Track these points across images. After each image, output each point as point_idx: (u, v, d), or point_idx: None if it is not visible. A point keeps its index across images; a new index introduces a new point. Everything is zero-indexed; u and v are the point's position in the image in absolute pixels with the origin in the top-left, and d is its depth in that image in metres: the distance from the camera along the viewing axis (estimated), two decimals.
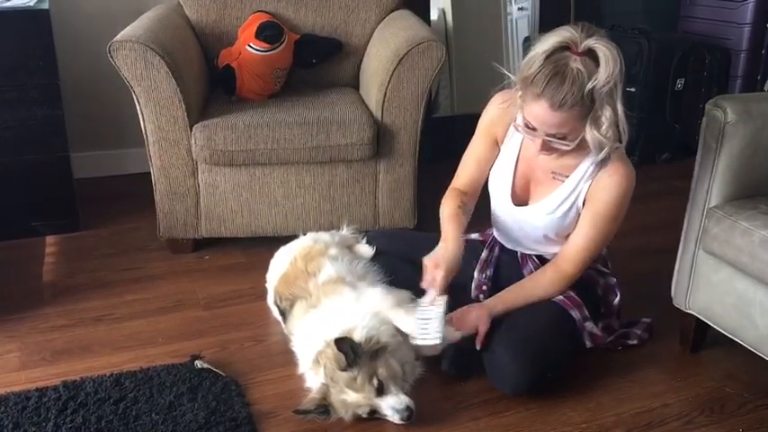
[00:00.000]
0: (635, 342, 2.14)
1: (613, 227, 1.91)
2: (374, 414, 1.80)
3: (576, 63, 1.67)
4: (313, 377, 1.89)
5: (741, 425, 1.85)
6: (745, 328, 1.88)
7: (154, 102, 2.48)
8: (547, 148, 1.80)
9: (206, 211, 2.65)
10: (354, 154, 2.59)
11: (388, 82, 2.56)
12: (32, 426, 1.78)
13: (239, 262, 2.66)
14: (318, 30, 3.01)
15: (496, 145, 2.04)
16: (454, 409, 1.90)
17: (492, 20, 3.75)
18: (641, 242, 2.79)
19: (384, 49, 2.71)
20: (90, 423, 1.78)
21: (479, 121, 2.06)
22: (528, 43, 3.84)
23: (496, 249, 2.14)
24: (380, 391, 1.78)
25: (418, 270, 2.12)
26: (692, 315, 2.06)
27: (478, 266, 2.14)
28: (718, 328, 1.99)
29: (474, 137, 2.07)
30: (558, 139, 1.76)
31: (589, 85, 1.66)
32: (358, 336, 1.83)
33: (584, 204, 1.91)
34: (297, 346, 2.01)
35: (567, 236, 1.96)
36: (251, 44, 2.77)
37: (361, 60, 3.03)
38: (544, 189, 1.95)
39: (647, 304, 2.26)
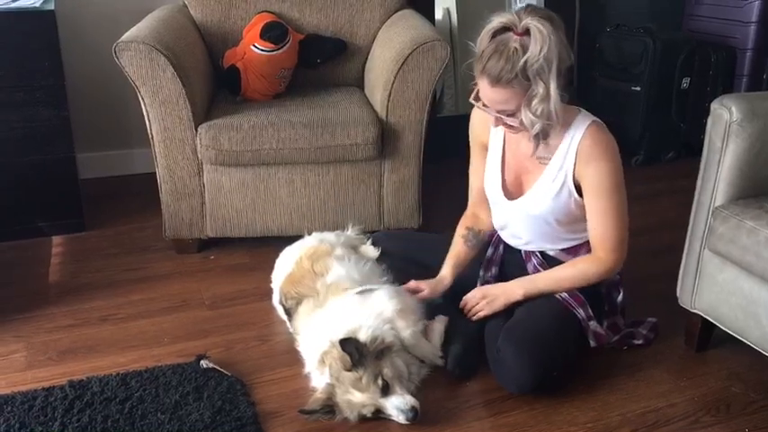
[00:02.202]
0: (640, 342, 2.13)
1: (620, 194, 1.91)
2: (379, 414, 1.81)
3: (515, 42, 1.73)
4: (318, 377, 1.89)
5: (747, 425, 1.84)
6: (750, 327, 1.88)
7: (159, 102, 2.49)
8: (501, 124, 1.87)
9: (211, 211, 2.66)
10: (359, 154, 2.60)
11: (393, 82, 2.57)
12: (39, 425, 1.78)
13: (244, 262, 2.66)
14: (323, 30, 3.01)
15: (487, 150, 2.08)
16: (459, 409, 1.90)
17: None
18: (646, 241, 2.77)
19: (389, 49, 2.72)
20: (96, 422, 1.79)
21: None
22: None
23: (501, 248, 2.15)
24: (385, 391, 1.78)
25: (424, 271, 2.14)
26: (698, 315, 2.06)
27: (483, 265, 2.15)
28: (723, 328, 1.98)
29: (471, 150, 2.15)
30: (507, 116, 1.82)
31: (522, 61, 1.71)
32: (363, 336, 1.84)
33: (578, 189, 1.91)
34: (302, 345, 2.01)
35: (567, 221, 1.97)
36: (256, 44, 2.77)
37: (365, 60, 3.03)
38: (533, 176, 1.97)
39: (653, 304, 2.26)
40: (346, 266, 2.12)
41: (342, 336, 1.82)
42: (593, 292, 2.02)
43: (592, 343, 2.00)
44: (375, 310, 1.94)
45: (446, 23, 3.65)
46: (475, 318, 2.04)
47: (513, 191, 2.03)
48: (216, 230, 2.69)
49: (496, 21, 1.76)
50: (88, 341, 2.17)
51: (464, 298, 2.07)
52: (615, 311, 2.09)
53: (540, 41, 1.70)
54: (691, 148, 3.55)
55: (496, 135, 2.03)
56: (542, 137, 1.84)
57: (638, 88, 3.54)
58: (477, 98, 1.85)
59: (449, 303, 2.14)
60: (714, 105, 1.93)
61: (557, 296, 1.99)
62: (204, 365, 2.00)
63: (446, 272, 2.13)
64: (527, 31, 1.72)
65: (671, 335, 2.17)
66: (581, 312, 1.97)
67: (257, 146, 2.54)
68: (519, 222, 2.05)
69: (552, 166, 1.92)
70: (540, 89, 1.74)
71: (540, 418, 1.85)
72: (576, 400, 1.92)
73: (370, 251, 2.31)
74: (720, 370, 2.05)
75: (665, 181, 3.41)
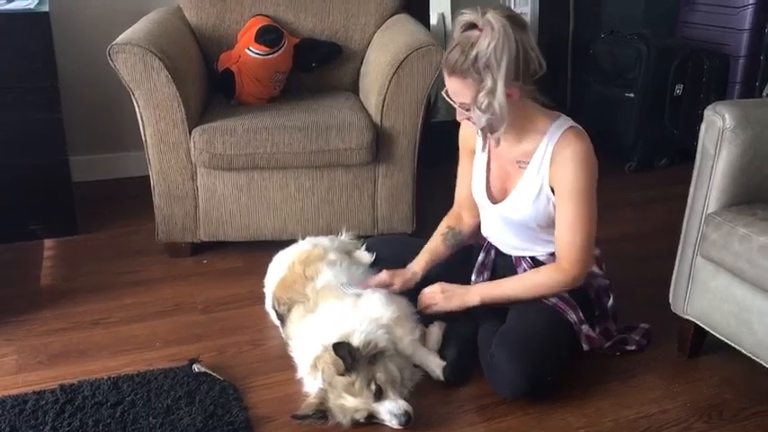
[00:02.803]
0: (633, 348, 2.14)
1: (589, 201, 1.89)
2: (372, 419, 1.80)
3: (473, 38, 1.76)
4: (311, 382, 1.89)
5: (739, 431, 1.84)
6: (743, 334, 1.88)
7: (153, 105, 2.48)
8: (463, 118, 1.90)
9: (205, 214, 2.65)
10: (353, 158, 2.60)
11: (388, 86, 2.57)
12: (29, 429, 1.77)
13: (237, 266, 2.66)
14: (318, 34, 3.01)
15: (473, 152, 2.11)
16: (452, 414, 1.89)
17: None
18: (639, 247, 2.79)
19: (383, 54, 2.72)
20: (87, 426, 1.78)
21: None
22: None
23: (492, 253, 2.15)
24: (379, 395, 1.78)
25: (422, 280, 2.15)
26: (691, 321, 2.06)
27: (475, 270, 2.16)
28: (716, 334, 1.99)
29: (460, 154, 2.17)
30: (466, 109, 1.84)
31: (472, 54, 1.74)
32: (356, 340, 1.83)
33: (553, 191, 1.92)
34: (295, 350, 2.01)
35: (548, 225, 1.97)
36: (251, 48, 2.77)
37: (360, 65, 3.03)
38: (515, 180, 1.99)
39: (646, 310, 2.26)
40: (338, 271, 2.12)
41: (335, 340, 1.81)
42: (582, 297, 2.03)
43: (585, 346, 2.00)
44: (369, 314, 1.93)
45: (441, 28, 3.66)
46: (427, 311, 2.05)
47: (497, 195, 2.04)
48: (209, 234, 2.68)
49: (465, 17, 1.80)
50: (80, 345, 2.16)
51: (422, 291, 2.06)
52: (606, 316, 2.09)
53: (489, 37, 1.73)
54: (684, 154, 3.55)
55: (481, 141, 2.05)
56: (489, 131, 1.86)
57: (632, 94, 3.55)
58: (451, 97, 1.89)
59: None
60: (707, 112, 1.93)
61: (548, 301, 1.99)
62: (196, 369, 2.00)
63: (418, 267, 2.16)
64: (485, 27, 1.76)
65: (664, 341, 2.17)
66: (573, 316, 1.98)
67: (251, 150, 2.53)
68: (504, 227, 2.06)
69: (530, 171, 1.94)
70: (488, 82, 1.76)
71: (533, 424, 1.85)
72: (568, 406, 1.92)
73: (364, 256, 2.31)
74: (713, 376, 2.05)
75: (659, 187, 3.42)
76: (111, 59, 2.42)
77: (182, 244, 2.70)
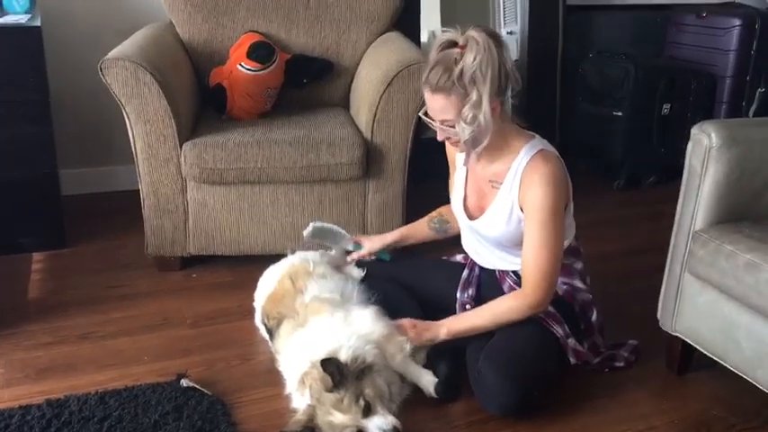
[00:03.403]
0: (621, 364, 2.14)
1: (554, 224, 1.88)
2: None
3: (455, 54, 1.80)
4: (299, 398, 1.88)
5: None
6: (730, 350, 1.89)
7: (144, 120, 2.49)
8: (444, 137, 1.91)
9: (194, 228, 2.65)
10: (344, 173, 2.60)
11: (379, 102, 2.58)
12: None
13: (227, 280, 2.65)
14: (310, 50, 3.03)
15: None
16: (441, 430, 1.89)
17: None
18: (628, 264, 2.80)
19: (374, 71, 2.74)
20: None
21: None
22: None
23: (476, 269, 2.16)
24: (367, 411, 1.77)
25: (408, 294, 2.16)
26: (679, 338, 2.07)
27: (460, 286, 2.16)
28: (703, 351, 2.00)
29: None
30: (450, 127, 1.86)
31: (457, 69, 1.77)
32: (344, 356, 1.83)
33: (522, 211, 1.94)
34: (283, 366, 2.00)
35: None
36: (242, 63, 2.79)
37: (351, 81, 3.05)
38: (489, 200, 2.01)
39: (634, 326, 2.27)
40: (327, 286, 2.12)
41: (322, 356, 1.81)
42: (568, 311, 2.03)
43: (572, 360, 2.00)
44: (358, 330, 1.93)
45: (431, 46, 3.68)
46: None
47: (473, 211, 2.06)
48: (199, 248, 2.68)
49: (444, 36, 1.84)
50: (67, 359, 2.15)
51: (400, 321, 2.03)
52: (592, 331, 2.10)
53: (475, 50, 1.76)
54: (671, 172, 3.58)
55: (461, 156, 2.07)
56: (472, 145, 1.88)
57: (620, 113, 3.59)
58: (431, 118, 1.91)
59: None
60: (694, 131, 1.96)
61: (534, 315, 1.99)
62: (184, 384, 1.98)
63: (392, 233, 2.34)
64: (467, 44, 1.79)
65: (652, 357, 2.18)
66: (559, 330, 1.98)
67: (242, 164, 2.54)
68: (480, 242, 2.08)
69: (503, 192, 1.95)
70: (474, 96, 1.79)
71: None
72: (557, 422, 1.92)
73: (355, 272, 2.31)
74: (701, 393, 2.06)
75: (646, 205, 3.45)
76: (103, 74, 2.42)
77: (171, 258, 2.69)
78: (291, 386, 1.92)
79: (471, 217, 2.06)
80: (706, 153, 1.91)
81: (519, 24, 3.85)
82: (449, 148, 2.14)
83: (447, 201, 2.23)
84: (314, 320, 1.98)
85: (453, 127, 1.85)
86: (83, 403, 1.90)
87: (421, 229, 2.33)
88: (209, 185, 2.59)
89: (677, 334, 2.07)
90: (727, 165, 1.90)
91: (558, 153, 1.95)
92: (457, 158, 2.11)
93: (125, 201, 3.03)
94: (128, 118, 2.50)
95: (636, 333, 2.24)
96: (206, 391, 1.96)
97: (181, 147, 2.53)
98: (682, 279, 2.02)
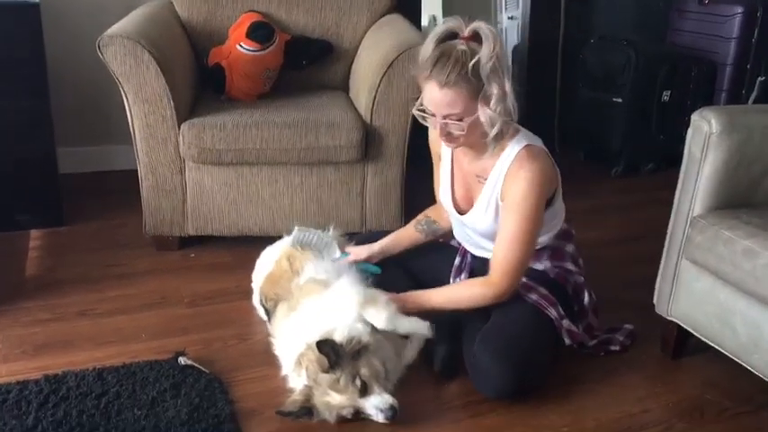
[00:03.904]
0: (617, 348, 2.15)
1: (530, 220, 1.87)
2: (358, 414, 1.81)
3: (462, 46, 1.76)
4: (295, 379, 1.89)
5: None
6: (725, 336, 1.91)
7: (142, 99, 2.48)
8: (445, 133, 1.86)
9: (193, 209, 2.65)
10: (343, 156, 2.60)
11: (378, 85, 2.58)
12: (13, 419, 1.76)
13: (225, 260, 2.65)
14: (310, 31, 3.02)
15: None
16: (437, 411, 1.90)
17: None
18: (625, 250, 2.81)
19: (374, 53, 2.73)
20: (71, 417, 1.77)
21: None
22: (515, 52, 3.88)
23: (468, 256, 2.17)
24: (364, 391, 1.78)
25: (406, 274, 2.17)
26: (674, 322, 2.08)
27: (453, 272, 2.18)
28: (699, 336, 2.01)
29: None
30: (455, 121, 1.82)
31: (472, 62, 1.74)
32: (339, 337, 1.83)
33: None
34: (279, 347, 2.00)
35: None
36: (241, 44, 2.77)
37: (351, 63, 3.04)
38: (476, 194, 2.00)
39: (630, 311, 2.28)
40: (323, 266, 2.11)
41: (318, 338, 1.81)
42: (562, 293, 2.04)
43: (566, 341, 2.01)
44: (349, 309, 1.91)
45: (432, 30, 3.67)
46: None
47: (462, 204, 2.06)
48: (197, 228, 2.68)
49: (442, 27, 1.80)
50: (65, 336, 2.15)
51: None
52: (586, 313, 2.10)
53: (492, 41, 1.74)
54: (670, 160, 3.59)
55: (446, 149, 2.06)
56: (500, 137, 1.85)
57: (620, 99, 3.58)
58: (432, 114, 1.86)
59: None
60: (694, 117, 1.96)
61: (529, 298, 2.00)
62: (182, 362, 1.99)
63: (379, 242, 2.23)
64: (475, 35, 1.76)
65: (647, 342, 2.19)
66: (553, 312, 1.99)
67: (240, 145, 2.53)
68: (470, 234, 2.09)
69: (488, 186, 1.95)
70: (495, 89, 1.77)
71: (517, 422, 1.86)
72: (552, 404, 1.93)
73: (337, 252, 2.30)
74: (695, 377, 2.07)
75: (644, 192, 3.45)
76: (101, 51, 2.41)
77: (169, 237, 2.69)
78: (288, 368, 1.93)
79: (460, 211, 2.06)
80: (706, 139, 1.91)
81: (520, 9, 3.84)
82: (432, 140, 2.12)
83: None
84: (307, 302, 1.98)
85: (461, 120, 1.81)
86: (80, 379, 1.91)
87: (408, 233, 2.26)
88: (207, 166, 2.58)
89: (673, 319, 2.08)
90: (726, 151, 1.90)
91: (544, 147, 1.93)
92: (442, 151, 2.08)
93: (123, 180, 3.02)
94: (126, 97, 2.49)
95: (632, 318, 2.25)
96: (204, 369, 1.97)
97: (179, 127, 2.52)
98: (679, 265, 2.02)
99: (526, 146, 1.89)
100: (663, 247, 2.09)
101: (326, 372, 1.78)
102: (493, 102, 1.78)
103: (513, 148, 1.89)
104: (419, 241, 2.25)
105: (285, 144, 2.55)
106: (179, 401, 1.84)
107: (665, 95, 3.60)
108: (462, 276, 2.15)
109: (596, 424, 1.87)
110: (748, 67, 3.62)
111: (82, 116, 3.30)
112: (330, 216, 2.67)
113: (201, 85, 2.90)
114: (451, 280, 2.16)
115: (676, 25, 3.84)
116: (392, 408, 1.78)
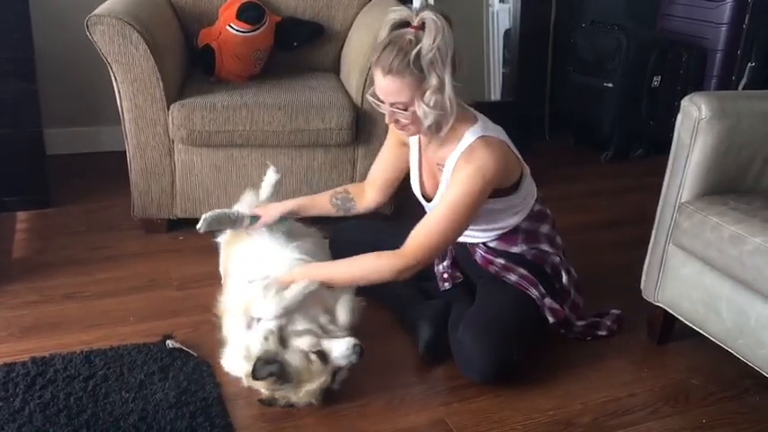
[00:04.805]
0: (604, 333, 2.17)
1: (462, 213, 1.84)
2: (336, 374, 1.79)
3: (409, 35, 1.75)
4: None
5: (704, 416, 1.89)
6: (711, 321, 1.92)
7: (131, 79, 2.45)
8: (393, 120, 1.87)
9: (182, 191, 2.63)
10: (333, 139, 2.59)
11: (369, 68, 2.56)
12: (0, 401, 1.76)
13: (214, 243, 2.63)
14: (300, 13, 2.99)
15: (404, 145, 2.10)
16: (425, 394, 1.92)
17: (473, 12, 3.76)
18: (612, 235, 2.83)
19: (366, 35, 2.71)
20: (59, 399, 1.77)
21: None
22: (508, 36, 3.86)
23: None
24: (324, 358, 1.75)
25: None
26: (661, 308, 2.10)
27: (436, 260, 2.17)
28: (685, 321, 2.02)
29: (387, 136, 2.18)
30: (400, 110, 1.82)
31: (414, 51, 1.73)
32: (255, 350, 1.74)
33: None
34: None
35: (479, 221, 1.97)
36: (232, 24, 2.75)
37: (342, 45, 3.02)
38: (438, 182, 1.99)
39: (617, 296, 2.30)
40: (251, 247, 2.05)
41: (246, 372, 1.74)
42: (540, 272, 2.04)
43: (550, 319, 2.02)
44: (235, 315, 1.84)
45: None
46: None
47: (430, 193, 2.05)
48: (186, 211, 2.67)
49: (395, 15, 1.79)
50: (52, 318, 2.15)
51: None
52: (568, 291, 2.09)
53: (434, 32, 1.73)
54: (659, 146, 3.59)
55: (413, 139, 2.05)
56: (435, 129, 1.85)
57: (611, 84, 3.58)
58: (381, 100, 1.86)
59: (418, 290, 2.17)
60: (684, 102, 1.96)
61: (509, 279, 2.01)
62: (170, 345, 1.99)
63: (290, 201, 2.18)
64: (423, 24, 1.75)
65: (634, 327, 2.21)
66: (534, 291, 2.00)
67: (230, 127, 2.52)
68: None
69: (444, 175, 1.94)
70: (434, 80, 1.76)
71: (504, 405, 1.88)
72: (539, 388, 1.95)
73: (270, 175, 2.29)
74: (680, 362, 2.09)
75: (633, 177, 3.46)
76: (89, 31, 2.38)
77: (158, 220, 2.68)
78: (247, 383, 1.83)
79: (428, 198, 2.05)
80: (695, 125, 1.91)
81: None
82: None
83: None
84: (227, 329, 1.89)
85: (405, 110, 1.81)
86: (68, 362, 1.91)
87: (322, 202, 2.20)
88: (196, 148, 2.57)
89: (659, 304, 2.09)
90: (716, 137, 1.91)
91: (502, 138, 1.90)
92: (411, 139, 2.07)
93: (111, 162, 3.00)
94: (114, 77, 2.46)
95: (619, 303, 2.27)
96: (192, 352, 1.97)
97: (168, 108, 2.50)
98: (666, 250, 2.03)
99: (480, 137, 1.86)
100: (651, 232, 2.10)
101: (285, 382, 1.74)
102: (428, 93, 1.77)
103: (468, 139, 1.87)
104: (330, 213, 2.20)
105: (275, 126, 2.54)
106: (167, 384, 1.84)
107: (656, 81, 3.60)
108: (446, 262, 2.16)
109: (583, 407, 1.89)
110: (739, 53, 3.63)
111: (69, 97, 3.26)
112: None
113: (191, 66, 2.88)
114: (435, 267, 2.17)
115: (667, 11, 3.84)
116: (356, 345, 1.75)
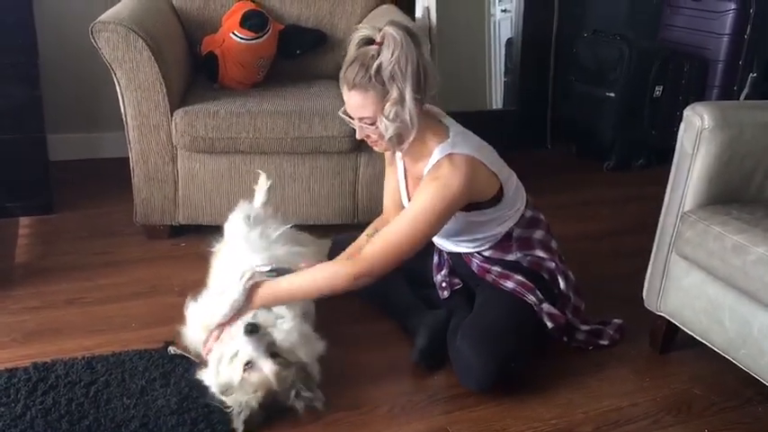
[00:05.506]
0: (606, 342, 2.17)
1: (424, 227, 1.84)
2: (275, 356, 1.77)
3: (372, 51, 1.78)
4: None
5: (706, 426, 1.88)
6: (714, 331, 1.92)
7: (135, 85, 2.46)
8: (364, 135, 1.89)
9: (184, 197, 2.64)
10: (335, 146, 2.60)
11: None
12: (1, 406, 1.75)
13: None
14: (303, 21, 3.01)
15: (393, 165, 2.13)
16: (424, 403, 1.91)
17: (476, 20, 3.77)
18: (615, 244, 2.83)
19: None
20: (60, 405, 1.76)
21: None
22: (510, 45, 3.88)
23: (444, 253, 2.18)
24: (275, 354, 1.76)
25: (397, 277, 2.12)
26: (663, 317, 2.10)
27: (434, 269, 2.19)
28: (687, 331, 2.02)
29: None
30: (368, 125, 1.84)
31: (374, 66, 1.75)
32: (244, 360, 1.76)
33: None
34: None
35: (464, 232, 1.98)
36: (235, 32, 2.76)
37: (345, 53, 3.02)
38: None
39: (619, 306, 2.29)
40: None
41: (254, 403, 1.74)
42: (537, 278, 2.03)
43: (548, 324, 2.01)
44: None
45: (425, 22, 3.65)
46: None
47: None
48: (188, 217, 2.67)
49: (360, 33, 1.82)
50: (54, 324, 2.15)
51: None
52: (567, 295, 2.09)
53: (393, 46, 1.74)
54: (661, 156, 3.61)
55: (398, 155, 2.06)
56: (397, 142, 1.86)
57: (612, 94, 3.59)
58: (345, 111, 1.88)
59: (417, 298, 2.17)
60: (687, 112, 1.96)
61: (506, 286, 2.01)
62: (172, 351, 1.99)
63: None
64: (383, 40, 1.77)
65: (636, 336, 2.21)
66: (531, 297, 2.00)
67: (233, 134, 2.52)
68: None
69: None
70: (395, 93, 1.77)
71: (506, 414, 1.87)
72: (541, 397, 1.94)
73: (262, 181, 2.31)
74: (683, 372, 2.09)
75: (635, 187, 3.47)
76: (94, 38, 2.39)
77: (160, 226, 2.68)
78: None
79: None
80: (698, 134, 1.92)
81: (514, 2, 3.83)
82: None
83: None
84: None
85: (373, 125, 1.83)
86: (69, 368, 1.90)
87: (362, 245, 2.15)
88: (199, 154, 2.57)
89: (662, 314, 2.09)
90: (718, 147, 1.91)
91: (473, 155, 1.87)
92: (396, 161, 2.09)
93: (114, 168, 3.01)
94: (118, 83, 2.47)
95: (620, 312, 2.26)
96: (193, 359, 1.97)
97: (172, 114, 2.51)
98: (668, 260, 2.03)
99: (447, 155, 1.86)
100: (652, 241, 2.10)
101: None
102: (387, 105, 1.78)
103: (436, 156, 1.87)
104: None
105: (278, 133, 2.54)
106: (168, 390, 1.84)
107: (657, 91, 3.61)
108: (444, 272, 2.16)
109: (584, 417, 1.88)
110: (740, 63, 3.63)
111: (73, 103, 3.27)
112: (322, 206, 2.68)
113: (194, 73, 2.89)
114: (434, 278, 2.18)
115: (669, 21, 3.85)
116: (247, 324, 1.76)
